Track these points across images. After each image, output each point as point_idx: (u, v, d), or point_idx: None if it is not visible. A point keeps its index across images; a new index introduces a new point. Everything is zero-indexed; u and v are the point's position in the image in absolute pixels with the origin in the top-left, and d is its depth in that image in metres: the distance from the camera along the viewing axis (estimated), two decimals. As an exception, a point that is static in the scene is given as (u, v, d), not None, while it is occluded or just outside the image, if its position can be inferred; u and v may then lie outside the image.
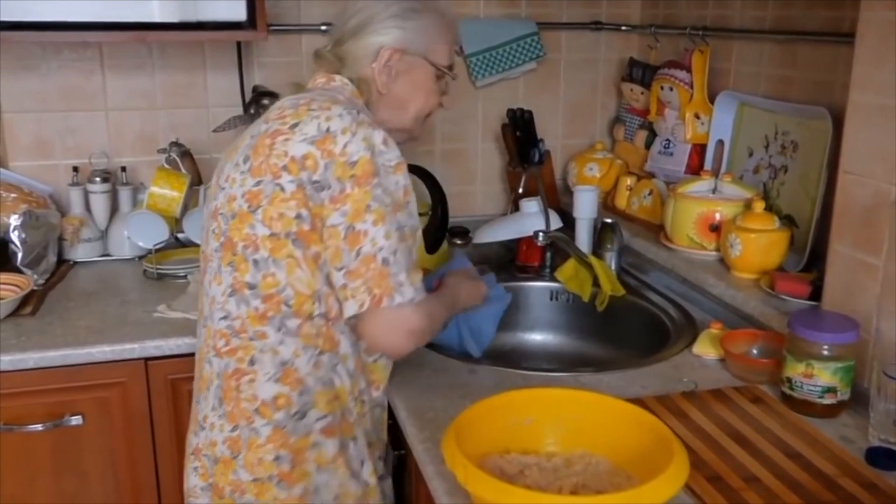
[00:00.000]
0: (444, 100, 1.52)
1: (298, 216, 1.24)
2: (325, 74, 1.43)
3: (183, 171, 2.09)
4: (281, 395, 1.28)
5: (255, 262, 1.27)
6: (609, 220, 2.02)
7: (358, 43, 1.42)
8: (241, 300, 1.28)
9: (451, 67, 1.50)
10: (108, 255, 2.14)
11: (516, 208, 2.16)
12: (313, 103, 1.29)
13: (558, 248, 2.05)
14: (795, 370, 1.33)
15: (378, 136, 1.26)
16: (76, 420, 1.63)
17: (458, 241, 2.20)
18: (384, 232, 1.22)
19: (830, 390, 1.31)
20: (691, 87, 2.08)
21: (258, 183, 1.26)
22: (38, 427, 1.61)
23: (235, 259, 1.28)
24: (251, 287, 1.27)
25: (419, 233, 1.34)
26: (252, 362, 1.29)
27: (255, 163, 1.27)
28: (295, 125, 1.26)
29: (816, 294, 1.55)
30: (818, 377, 1.31)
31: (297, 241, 1.25)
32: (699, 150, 2.10)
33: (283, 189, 1.24)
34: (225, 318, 1.30)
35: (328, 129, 1.24)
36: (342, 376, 1.32)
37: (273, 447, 1.28)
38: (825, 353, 1.31)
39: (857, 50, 1.36)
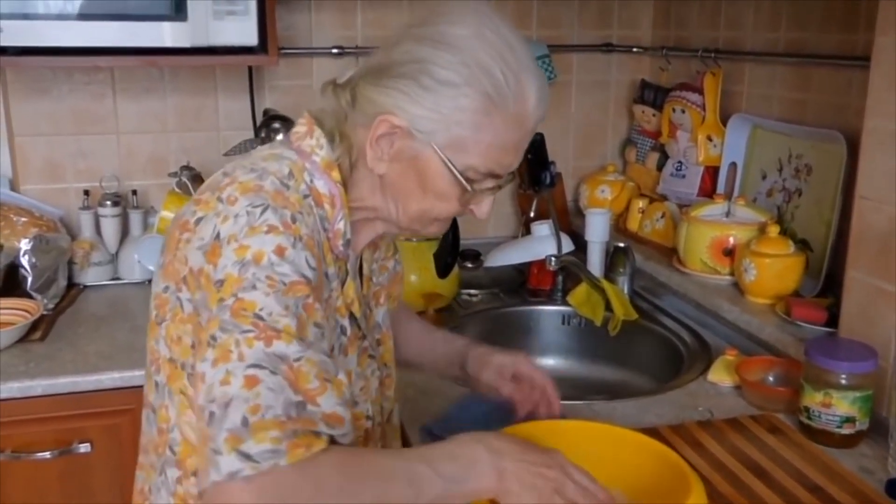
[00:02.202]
0: (476, 210, 1.07)
1: (193, 346, 0.95)
2: (309, 120, 1.06)
3: (193, 194, 2.09)
4: None
5: (156, 384, 1.02)
6: (621, 244, 2.01)
7: (367, 92, 1.02)
8: (146, 419, 1.06)
9: (494, 175, 1.03)
10: (118, 278, 2.13)
11: (528, 231, 2.15)
12: (227, 189, 0.96)
13: (570, 271, 2.03)
14: (813, 399, 1.31)
15: (271, 243, 0.90)
16: (84, 447, 1.62)
17: (470, 265, 2.19)
18: (222, 376, 0.84)
19: (849, 420, 1.29)
20: (703, 110, 2.07)
21: (166, 289, 0.99)
22: (47, 455, 1.59)
23: (146, 371, 1.06)
24: (153, 409, 1.04)
25: (339, 374, 0.92)
26: (149, 491, 1.08)
27: (166, 258, 1.00)
28: (199, 221, 0.96)
29: (833, 320, 1.53)
30: (836, 407, 1.29)
31: (192, 377, 0.96)
32: (712, 172, 2.08)
33: (182, 307, 0.97)
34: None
35: (218, 236, 0.92)
36: None
37: None
38: (843, 382, 1.29)
39: (872, 75, 1.35)
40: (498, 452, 0.94)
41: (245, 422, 0.81)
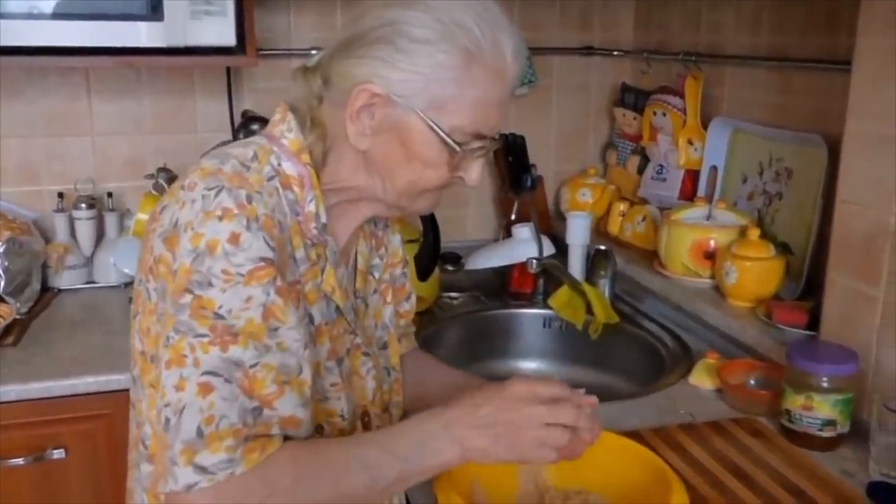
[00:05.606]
0: (465, 176, 1.04)
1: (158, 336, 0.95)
2: (283, 108, 1.04)
3: (170, 196, 2.06)
4: None
5: (133, 379, 1.02)
6: (602, 247, 2.00)
7: (340, 67, 0.98)
8: (131, 416, 1.06)
9: (480, 136, 0.99)
10: (93, 282, 2.10)
11: (508, 234, 2.14)
12: (190, 176, 0.94)
13: (551, 274, 2.03)
14: (795, 402, 1.31)
15: (225, 231, 0.87)
16: (58, 454, 1.59)
17: (450, 268, 2.17)
18: (176, 380, 0.84)
19: (830, 423, 1.29)
20: (684, 113, 2.07)
21: (139, 282, 0.98)
22: (20, 461, 1.57)
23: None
24: (132, 405, 1.03)
25: (303, 372, 0.91)
26: (133, 490, 1.08)
27: (142, 250, 0.99)
28: (163, 209, 0.95)
29: (814, 323, 1.53)
30: (818, 410, 1.29)
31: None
32: (692, 175, 2.09)
33: (150, 297, 0.95)
34: None
35: (176, 223, 0.91)
36: None
37: None
38: (824, 385, 1.28)
39: (853, 78, 1.35)
40: (450, 422, 0.93)
41: (200, 433, 0.82)
